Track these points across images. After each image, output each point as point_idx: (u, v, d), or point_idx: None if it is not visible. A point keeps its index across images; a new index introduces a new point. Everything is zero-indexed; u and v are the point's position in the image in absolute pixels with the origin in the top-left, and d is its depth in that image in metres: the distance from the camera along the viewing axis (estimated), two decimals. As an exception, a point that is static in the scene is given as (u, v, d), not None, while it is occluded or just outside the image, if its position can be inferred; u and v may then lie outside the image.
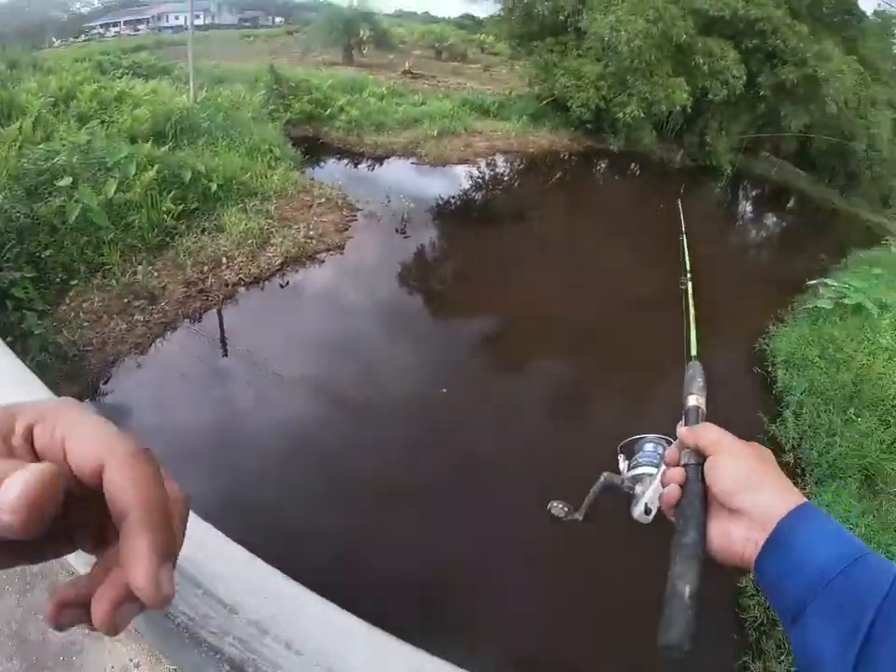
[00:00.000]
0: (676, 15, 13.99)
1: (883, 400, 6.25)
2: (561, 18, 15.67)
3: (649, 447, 0.98)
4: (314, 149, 10.42)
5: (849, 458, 5.40)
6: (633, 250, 9.95)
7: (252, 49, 21.04)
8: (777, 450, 5.46)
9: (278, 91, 11.55)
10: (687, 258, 2.18)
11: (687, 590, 0.58)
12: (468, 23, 33.63)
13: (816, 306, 8.26)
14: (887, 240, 15.26)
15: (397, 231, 7.92)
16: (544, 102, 15.98)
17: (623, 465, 0.98)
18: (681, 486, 0.69)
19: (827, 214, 21.42)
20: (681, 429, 0.77)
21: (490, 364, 5.83)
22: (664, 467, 0.78)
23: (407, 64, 18.47)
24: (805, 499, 0.60)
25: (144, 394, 4.56)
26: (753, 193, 20.79)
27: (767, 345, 7.46)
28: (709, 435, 0.72)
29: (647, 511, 0.81)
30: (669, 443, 0.92)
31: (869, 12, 21.42)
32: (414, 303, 6.62)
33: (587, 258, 9.03)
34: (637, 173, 16.80)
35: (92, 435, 0.33)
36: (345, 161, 10.58)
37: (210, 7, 33.36)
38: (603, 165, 16.04)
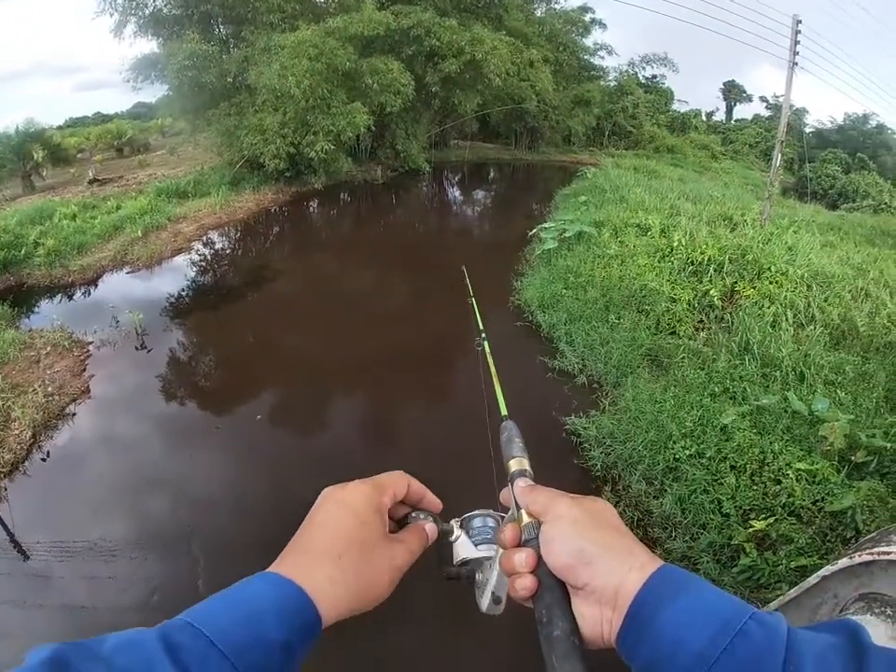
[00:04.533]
0: (335, 46, 14.72)
1: (633, 296, 7.26)
2: (229, 80, 15.81)
3: (477, 522, 0.81)
4: (21, 297, 9.13)
5: (629, 354, 6.19)
6: (369, 267, 10.75)
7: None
8: (569, 378, 6.12)
9: (-38, 250, 10.03)
10: (479, 318, 2.09)
11: None
12: (142, 111, 32.29)
13: (544, 250, 9.32)
14: (581, 171, 17.69)
15: (137, 348, 7.22)
16: (238, 166, 15.97)
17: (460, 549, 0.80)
18: (533, 572, 0.58)
19: (524, 170, 24.47)
20: (517, 489, 0.66)
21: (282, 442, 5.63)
22: (499, 549, 0.68)
23: (91, 173, 17.08)
24: (655, 562, 0.52)
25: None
26: (456, 178, 23.04)
27: (519, 299, 8.18)
28: (538, 499, 0.62)
29: (496, 601, 0.70)
30: (495, 518, 0.82)
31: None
32: (189, 407, 6.14)
33: (335, 290, 9.37)
34: (348, 199, 17.63)
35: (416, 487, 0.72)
36: (59, 296, 9.39)
37: None
38: (314, 205, 16.51)
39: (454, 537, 0.81)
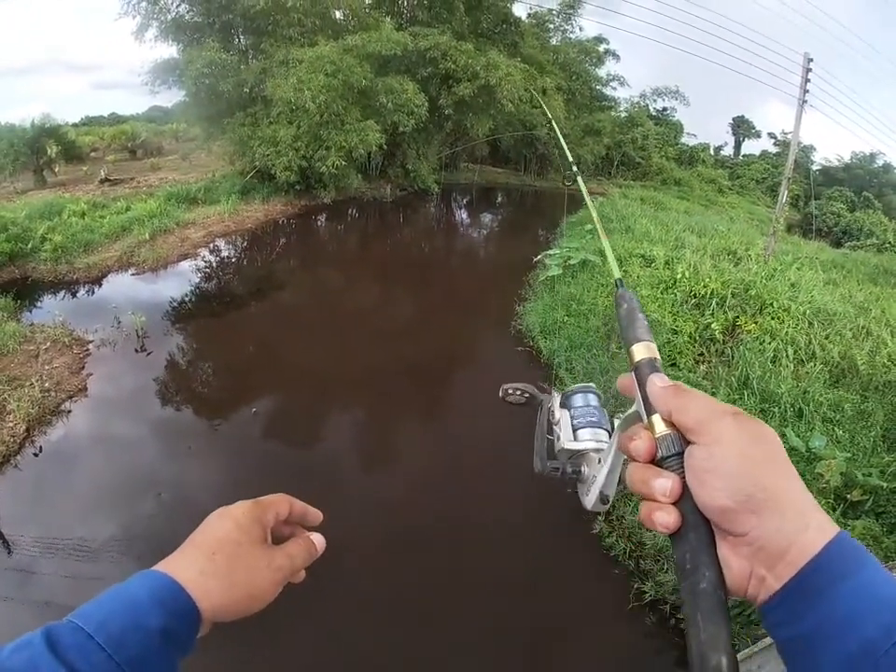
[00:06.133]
0: (353, 63, 14.91)
1: (635, 326, 7.21)
2: (246, 91, 15.94)
3: (578, 401, 0.72)
4: (25, 291, 9.13)
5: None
6: (374, 282, 10.92)
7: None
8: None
9: (-30, 239, 10.04)
10: (566, 147, 1.64)
11: (724, 663, 0.41)
12: (157, 115, 32.39)
13: (548, 276, 9.34)
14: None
15: (136, 350, 7.22)
16: (249, 175, 16.10)
17: (566, 431, 0.71)
18: (675, 503, 0.49)
19: (531, 196, 24.67)
20: (654, 388, 0.53)
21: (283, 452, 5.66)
22: (614, 444, 0.59)
23: (103, 172, 17.17)
24: (833, 525, 0.45)
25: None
26: (464, 201, 23.25)
27: (521, 325, 8.22)
28: (690, 409, 0.49)
29: (604, 501, 0.62)
30: (596, 394, 0.74)
31: (523, 16, 25.51)
32: (185, 411, 6.12)
33: (338, 303, 9.46)
34: (356, 215, 17.75)
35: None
36: (62, 292, 9.39)
37: None
38: (322, 219, 16.64)
39: (555, 418, 0.72)
